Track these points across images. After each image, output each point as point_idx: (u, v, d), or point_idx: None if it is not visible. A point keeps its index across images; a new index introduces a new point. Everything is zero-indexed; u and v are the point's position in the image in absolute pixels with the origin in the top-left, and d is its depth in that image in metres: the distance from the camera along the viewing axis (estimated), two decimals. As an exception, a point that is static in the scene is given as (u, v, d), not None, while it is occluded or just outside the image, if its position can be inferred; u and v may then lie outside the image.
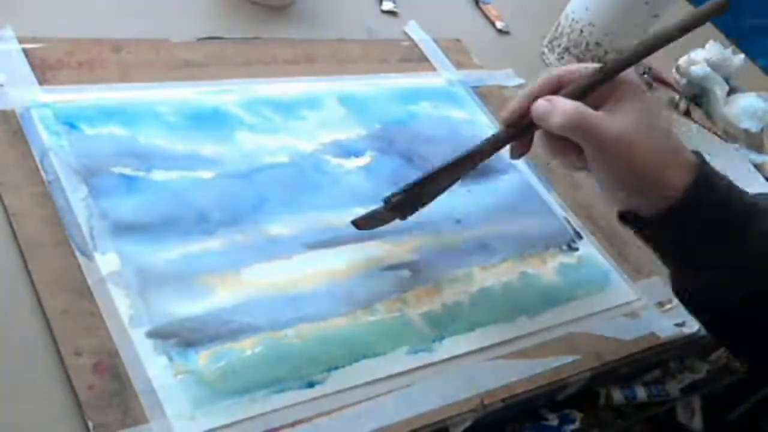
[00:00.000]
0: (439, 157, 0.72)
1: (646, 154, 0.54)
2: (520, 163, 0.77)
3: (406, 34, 0.86)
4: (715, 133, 0.97)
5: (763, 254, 0.54)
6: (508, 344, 0.60)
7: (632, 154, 0.53)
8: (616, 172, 0.55)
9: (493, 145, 0.58)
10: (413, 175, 0.68)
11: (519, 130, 0.57)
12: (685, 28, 0.58)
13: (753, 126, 0.98)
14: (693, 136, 0.93)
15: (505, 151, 0.77)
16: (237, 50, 0.72)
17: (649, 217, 0.55)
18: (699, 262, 0.56)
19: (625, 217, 0.57)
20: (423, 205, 0.60)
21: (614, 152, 0.54)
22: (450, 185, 0.60)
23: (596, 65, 0.55)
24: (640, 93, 0.55)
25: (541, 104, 0.55)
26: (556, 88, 0.56)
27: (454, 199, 0.69)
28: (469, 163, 0.59)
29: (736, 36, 1.23)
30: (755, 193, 0.58)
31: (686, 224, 0.54)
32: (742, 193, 0.57)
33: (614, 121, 0.53)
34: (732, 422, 1.02)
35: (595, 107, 0.54)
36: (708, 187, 0.55)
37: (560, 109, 0.54)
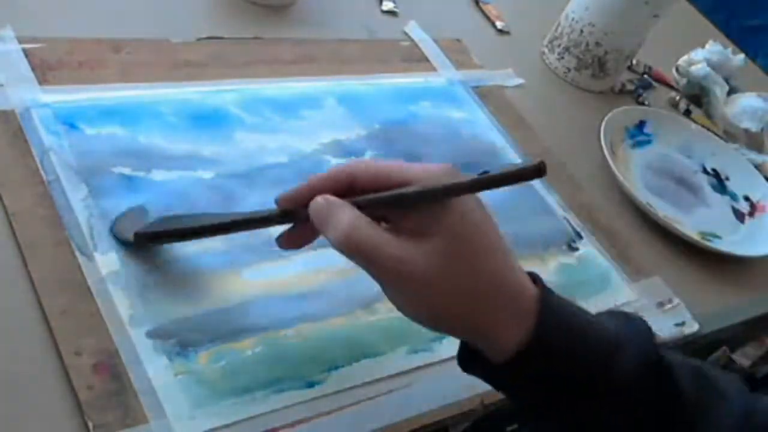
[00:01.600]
0: (439, 157, 0.72)
1: (452, 299, 0.43)
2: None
3: (406, 34, 0.86)
4: (715, 133, 0.97)
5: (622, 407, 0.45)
6: (508, 344, 0.60)
7: (432, 300, 0.43)
8: (413, 312, 0.45)
9: (265, 221, 0.50)
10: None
11: (295, 220, 0.48)
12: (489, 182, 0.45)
13: (753, 126, 0.98)
14: (693, 136, 0.92)
15: (506, 150, 0.77)
16: (237, 50, 0.72)
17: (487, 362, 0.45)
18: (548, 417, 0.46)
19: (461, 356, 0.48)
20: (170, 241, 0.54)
21: (406, 292, 0.44)
22: (199, 238, 0.54)
23: (399, 180, 0.44)
24: (455, 214, 0.43)
25: (317, 205, 0.45)
26: (345, 187, 0.45)
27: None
28: (235, 227, 0.52)
29: (736, 36, 1.23)
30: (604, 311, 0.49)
31: (524, 382, 0.45)
32: (588, 330, 0.45)
33: (408, 251, 0.42)
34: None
35: (395, 219, 0.45)
36: (547, 342, 0.44)
37: (335, 220, 0.43)
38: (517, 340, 0.43)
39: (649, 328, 0.47)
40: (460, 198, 0.44)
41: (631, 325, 0.47)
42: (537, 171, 0.42)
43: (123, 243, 0.53)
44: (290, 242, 0.50)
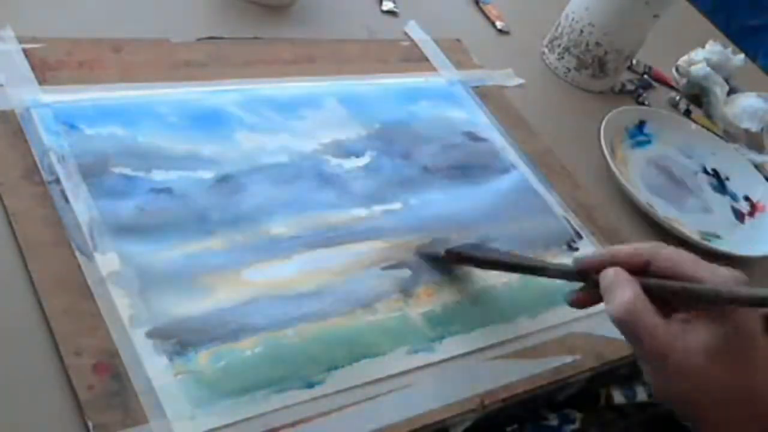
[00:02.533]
0: (439, 157, 0.72)
1: (700, 396, 0.46)
2: (521, 162, 0.77)
3: (406, 34, 0.86)
4: (715, 133, 0.97)
5: None
6: (508, 344, 0.60)
7: (681, 390, 0.46)
8: (660, 390, 0.48)
9: (560, 274, 0.56)
10: (411, 175, 0.68)
11: (587, 282, 0.53)
12: None
13: (753, 126, 0.98)
14: (693, 136, 0.92)
15: (506, 151, 0.77)
16: (237, 50, 0.72)
17: None
18: None
19: None
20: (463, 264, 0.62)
21: (663, 376, 0.47)
22: (496, 270, 0.62)
23: (693, 275, 0.47)
24: (731, 313, 0.46)
25: (607, 273, 0.49)
26: (640, 266, 0.49)
27: (455, 199, 0.69)
28: (530, 271, 0.58)
29: (736, 36, 1.24)
30: None
31: None
32: None
33: (675, 338, 0.45)
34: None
35: (666, 311, 0.47)
36: None
37: (619, 292, 0.47)
38: None
39: None
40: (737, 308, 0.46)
41: None
42: None
43: (431, 259, 0.62)
44: (579, 302, 0.54)
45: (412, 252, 0.63)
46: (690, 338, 0.46)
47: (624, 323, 0.47)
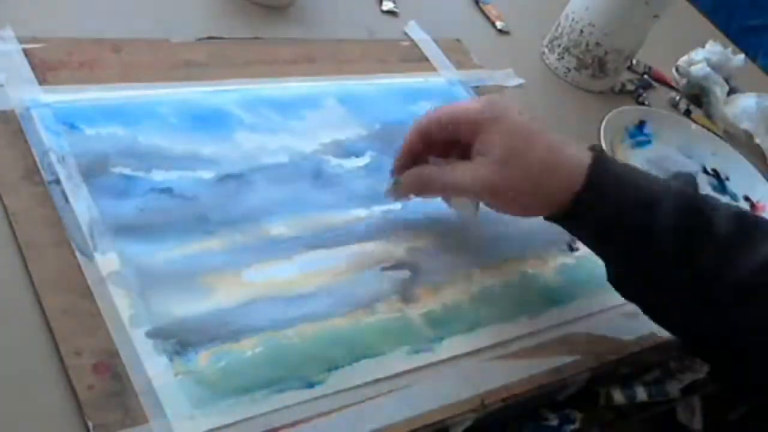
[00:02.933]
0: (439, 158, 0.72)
1: (521, 189, 0.57)
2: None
3: (406, 34, 0.86)
4: (715, 133, 0.97)
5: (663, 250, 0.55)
6: (508, 344, 0.60)
7: (509, 196, 0.57)
8: (505, 209, 0.60)
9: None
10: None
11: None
12: None
13: (753, 126, 0.98)
14: (693, 136, 0.92)
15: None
16: (237, 50, 0.72)
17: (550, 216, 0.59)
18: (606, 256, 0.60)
19: None
20: None
21: (493, 197, 0.59)
22: None
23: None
24: (496, 124, 0.57)
25: (411, 183, 0.62)
26: (424, 145, 0.62)
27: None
28: None
29: (736, 36, 1.24)
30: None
31: (582, 226, 0.59)
32: (638, 188, 0.57)
33: (477, 171, 0.57)
34: (732, 422, 1.02)
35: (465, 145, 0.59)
36: (596, 196, 0.56)
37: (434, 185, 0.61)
38: (574, 190, 0.56)
39: (695, 180, 0.60)
40: (504, 118, 0.57)
41: (677, 178, 0.59)
42: None
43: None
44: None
45: (412, 252, 0.63)
46: (486, 163, 0.57)
47: (447, 191, 0.62)
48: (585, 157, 0.56)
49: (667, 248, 0.55)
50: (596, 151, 0.58)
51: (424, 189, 0.61)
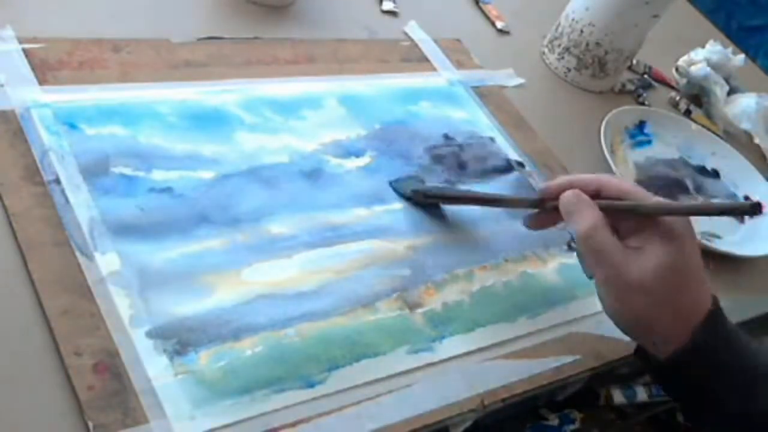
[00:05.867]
0: (439, 158, 0.72)
1: (651, 307, 0.53)
2: (521, 162, 0.77)
3: (406, 34, 0.86)
4: (715, 133, 0.97)
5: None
6: (508, 344, 0.60)
7: (634, 305, 0.53)
8: (614, 311, 0.55)
9: (523, 203, 0.64)
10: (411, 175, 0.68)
11: (545, 208, 0.60)
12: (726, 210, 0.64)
13: (753, 126, 0.98)
14: (693, 136, 0.92)
15: (507, 151, 0.78)
16: (237, 50, 0.72)
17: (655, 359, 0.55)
18: (710, 409, 0.55)
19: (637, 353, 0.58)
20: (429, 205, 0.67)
21: (616, 293, 0.54)
22: (462, 205, 0.67)
23: (639, 199, 0.55)
24: (676, 239, 0.53)
25: (567, 197, 0.56)
26: (592, 193, 0.56)
27: (454, 199, 0.69)
28: (493, 204, 0.66)
29: (736, 36, 1.24)
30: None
31: (690, 371, 0.54)
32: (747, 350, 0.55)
33: (630, 260, 0.53)
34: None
35: (626, 235, 0.55)
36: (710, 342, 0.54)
37: (583, 215, 0.54)
38: (678, 344, 0.53)
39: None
40: (680, 233, 0.53)
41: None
42: (753, 209, 0.53)
43: (401, 195, 0.66)
44: (537, 224, 0.62)
45: (412, 252, 0.63)
46: (642, 259, 0.53)
47: (588, 239, 0.54)
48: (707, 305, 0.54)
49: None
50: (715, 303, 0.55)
51: (574, 213, 0.56)
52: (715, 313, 0.54)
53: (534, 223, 0.62)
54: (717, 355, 0.54)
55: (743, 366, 0.54)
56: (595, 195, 0.56)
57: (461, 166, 0.73)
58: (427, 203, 0.66)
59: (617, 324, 0.56)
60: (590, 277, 0.56)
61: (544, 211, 0.60)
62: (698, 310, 0.54)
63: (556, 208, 0.57)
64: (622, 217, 0.56)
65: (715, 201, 0.55)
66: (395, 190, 0.67)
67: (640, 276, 0.52)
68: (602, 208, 0.55)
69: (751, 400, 0.53)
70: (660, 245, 0.53)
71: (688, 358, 0.53)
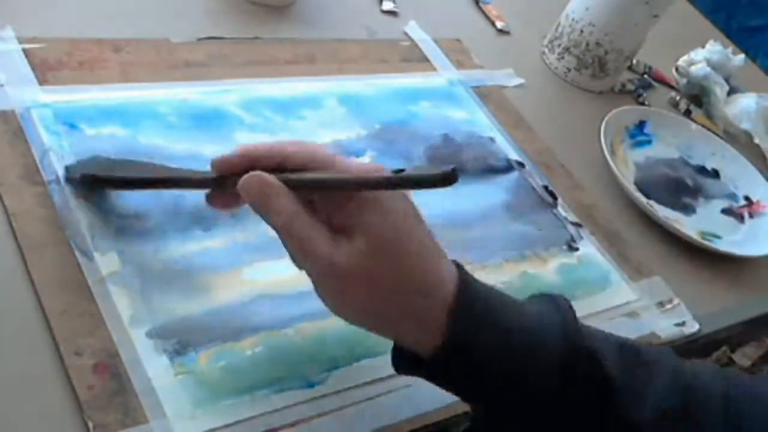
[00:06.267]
0: (439, 158, 0.72)
1: (371, 297, 0.45)
2: (520, 162, 0.77)
3: (406, 34, 0.86)
4: (715, 133, 0.97)
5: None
6: (508, 344, 0.60)
7: (354, 297, 0.45)
8: (336, 307, 0.46)
9: (196, 183, 0.52)
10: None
11: (227, 187, 0.49)
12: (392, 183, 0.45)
13: (753, 126, 0.98)
14: (693, 136, 0.92)
15: (507, 151, 0.77)
16: (237, 50, 0.72)
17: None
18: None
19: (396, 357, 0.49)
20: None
21: (330, 287, 0.46)
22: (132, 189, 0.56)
23: (333, 168, 0.46)
24: (382, 206, 0.45)
25: (250, 184, 0.46)
26: (275, 165, 0.47)
27: (455, 199, 0.69)
28: (167, 184, 0.55)
29: (736, 36, 1.24)
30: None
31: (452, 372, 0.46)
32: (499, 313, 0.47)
33: (338, 246, 0.44)
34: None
35: (329, 211, 0.46)
36: (468, 325, 0.45)
37: (277, 206, 0.45)
38: (435, 341, 0.45)
39: (570, 308, 0.49)
40: (385, 200, 0.45)
41: (554, 309, 0.48)
42: (446, 178, 0.43)
43: (70, 181, 0.54)
44: (220, 203, 0.52)
45: None
46: (351, 242, 0.44)
47: (286, 235, 0.45)
48: (449, 285, 0.46)
49: (550, 391, 0.46)
50: (461, 277, 0.47)
51: (264, 205, 0.46)
52: (464, 287, 0.46)
53: (216, 203, 0.52)
54: (483, 339, 0.45)
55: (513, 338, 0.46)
56: (281, 168, 0.47)
57: (461, 167, 0.73)
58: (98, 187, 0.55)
59: (349, 322, 0.47)
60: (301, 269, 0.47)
61: (226, 189, 0.49)
62: (440, 289, 0.45)
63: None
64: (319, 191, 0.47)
65: (412, 170, 0.44)
66: (68, 177, 0.55)
67: (350, 262, 0.44)
68: (291, 186, 0.45)
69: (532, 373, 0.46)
70: (363, 220, 0.44)
71: (451, 355, 0.45)
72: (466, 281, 0.46)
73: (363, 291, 0.45)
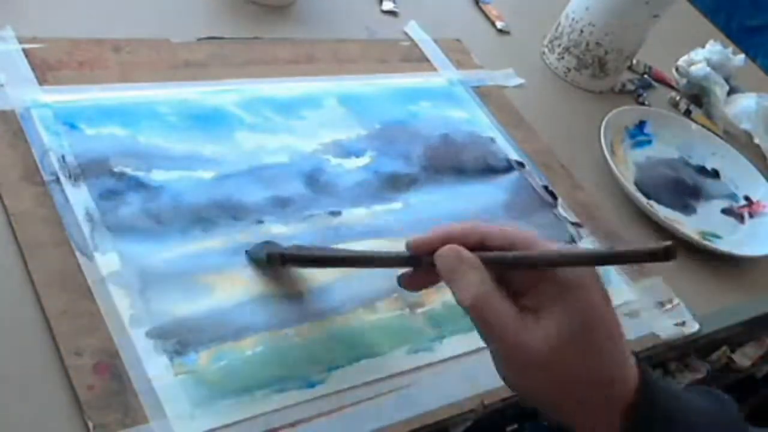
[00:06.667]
0: (439, 158, 0.72)
1: (555, 386, 0.44)
2: (520, 162, 0.77)
3: (406, 34, 0.86)
4: (715, 133, 0.97)
5: None
6: (509, 344, 0.60)
7: (536, 382, 0.44)
8: (515, 386, 0.46)
9: (392, 262, 0.51)
10: (412, 175, 0.68)
11: (422, 266, 0.48)
12: (621, 257, 0.48)
13: (753, 126, 0.98)
14: (693, 136, 0.92)
15: (507, 151, 0.77)
16: (237, 50, 0.72)
17: None
18: None
19: None
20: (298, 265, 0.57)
21: (514, 367, 0.45)
22: (324, 267, 0.57)
23: (530, 248, 0.45)
24: (575, 294, 0.44)
25: (445, 256, 0.45)
26: (474, 245, 0.46)
27: (456, 199, 0.69)
28: (360, 263, 0.55)
29: (736, 36, 1.24)
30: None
31: None
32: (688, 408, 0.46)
33: (526, 330, 0.43)
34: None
35: (518, 291, 0.45)
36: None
37: (466, 280, 0.44)
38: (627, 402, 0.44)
39: (737, 410, 0.48)
40: (581, 283, 0.44)
41: (722, 411, 0.47)
42: (665, 254, 0.42)
43: (255, 262, 0.56)
44: (413, 284, 0.51)
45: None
46: (540, 326, 0.43)
47: (475, 314, 0.44)
48: (631, 385, 0.45)
49: None
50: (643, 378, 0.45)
51: (456, 273, 0.45)
52: (646, 390, 0.45)
53: (409, 283, 0.50)
54: None
55: None
56: (478, 247, 0.46)
57: (461, 166, 0.73)
58: (286, 266, 0.56)
59: (523, 398, 0.48)
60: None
61: (421, 268, 0.49)
62: (623, 384, 0.44)
63: (433, 266, 0.46)
64: (513, 270, 0.46)
65: (621, 247, 0.45)
66: (251, 259, 0.57)
67: (537, 349, 0.43)
68: (487, 263, 0.45)
69: None
70: (557, 304, 0.43)
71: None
72: (647, 377, 0.45)
73: (543, 375, 0.44)
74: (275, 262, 0.55)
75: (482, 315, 0.44)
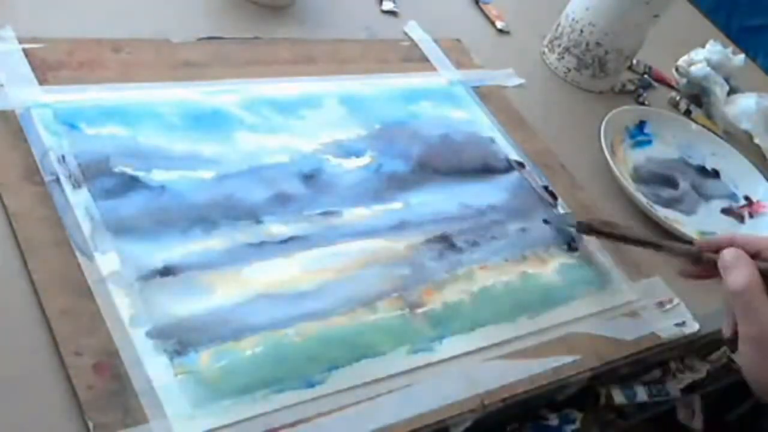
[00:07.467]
0: (439, 158, 0.73)
1: None
2: (521, 162, 0.77)
3: (406, 34, 0.86)
4: (715, 133, 0.97)
5: None
6: (508, 344, 0.60)
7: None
8: (756, 365, 0.54)
9: (681, 252, 0.64)
10: (412, 175, 0.68)
11: (702, 261, 0.61)
12: None
13: (753, 126, 0.98)
14: (693, 136, 0.92)
15: (507, 151, 0.78)
16: (237, 50, 0.72)
17: None
18: None
19: None
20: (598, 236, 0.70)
21: (759, 354, 0.53)
22: (623, 243, 0.69)
23: None
24: None
25: (729, 252, 0.56)
26: (753, 253, 0.56)
27: (455, 198, 0.69)
28: (654, 248, 0.66)
29: (736, 36, 1.24)
30: None
31: None
32: None
33: None
34: (732, 422, 1.02)
35: None
36: None
37: (739, 271, 0.54)
38: None
39: None
40: None
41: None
42: None
43: (558, 228, 0.71)
44: (694, 275, 0.63)
45: (412, 251, 0.63)
46: None
47: (739, 296, 0.53)
48: None
49: None
50: None
51: (731, 266, 0.56)
52: None
53: (691, 274, 0.63)
54: None
55: None
56: (754, 257, 0.56)
57: (461, 166, 0.73)
58: (588, 235, 0.70)
59: (756, 386, 0.54)
60: (725, 339, 0.57)
61: (701, 263, 0.61)
62: None
63: (712, 262, 0.58)
64: None
65: None
66: (556, 227, 0.71)
67: None
68: (761, 270, 0.55)
69: None
70: None
71: None
72: None
73: None
74: (583, 229, 0.69)
75: (748, 299, 0.53)
